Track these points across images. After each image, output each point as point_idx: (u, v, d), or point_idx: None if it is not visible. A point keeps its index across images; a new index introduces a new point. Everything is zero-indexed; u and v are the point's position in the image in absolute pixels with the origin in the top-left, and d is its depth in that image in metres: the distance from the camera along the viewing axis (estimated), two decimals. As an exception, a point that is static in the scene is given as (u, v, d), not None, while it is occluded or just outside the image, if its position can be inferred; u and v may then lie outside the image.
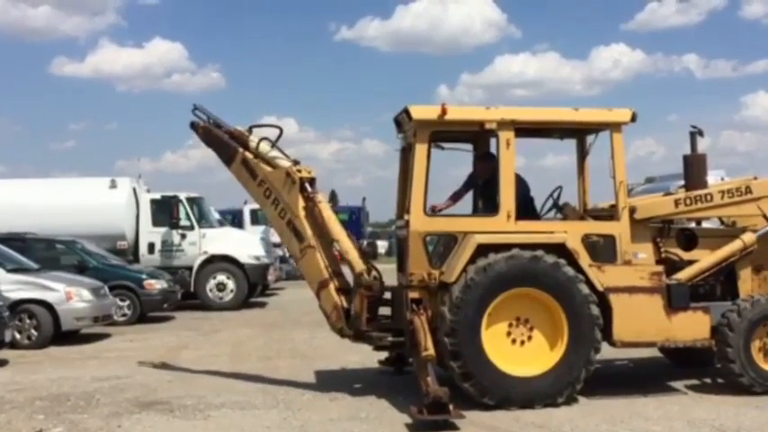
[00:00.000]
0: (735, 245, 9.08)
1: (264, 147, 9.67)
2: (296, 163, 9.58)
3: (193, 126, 10.29)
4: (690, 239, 9.27)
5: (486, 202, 9.25)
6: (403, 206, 9.04)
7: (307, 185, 9.35)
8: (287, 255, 26.45)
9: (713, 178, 11.10)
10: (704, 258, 9.04)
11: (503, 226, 8.48)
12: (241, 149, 9.68)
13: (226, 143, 9.86)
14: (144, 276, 17.24)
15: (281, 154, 9.65)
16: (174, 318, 17.85)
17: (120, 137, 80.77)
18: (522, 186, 9.00)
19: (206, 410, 8.40)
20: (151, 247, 19.78)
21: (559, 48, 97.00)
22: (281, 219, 9.38)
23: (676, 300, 8.69)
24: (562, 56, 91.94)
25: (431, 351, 8.02)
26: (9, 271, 13.73)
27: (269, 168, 9.51)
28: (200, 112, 10.33)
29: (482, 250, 8.26)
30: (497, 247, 8.27)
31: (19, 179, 21.60)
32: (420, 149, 8.58)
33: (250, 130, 9.93)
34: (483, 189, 9.43)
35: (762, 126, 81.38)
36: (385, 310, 9.36)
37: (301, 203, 9.25)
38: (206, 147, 10.18)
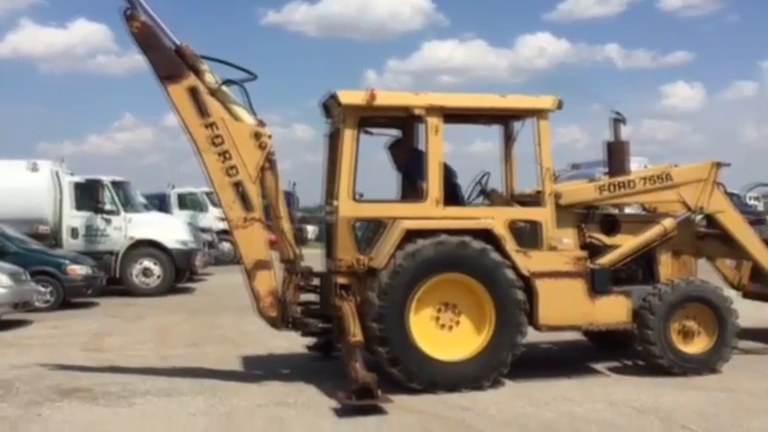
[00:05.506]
0: (655, 230, 9.32)
1: (226, 90, 8.64)
2: (261, 123, 8.72)
3: (128, 16, 8.55)
4: (612, 225, 9.47)
5: (410, 188, 9.30)
6: (330, 192, 9.01)
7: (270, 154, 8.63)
8: (215, 239, 26.35)
9: (636, 165, 11.36)
10: (626, 243, 9.26)
11: (430, 212, 8.53)
12: (192, 75, 8.54)
13: (172, 57, 8.53)
14: (66, 261, 16.85)
15: (246, 105, 8.72)
16: (99, 304, 17.47)
17: (42, 119, 78.45)
18: (447, 173, 9.06)
19: (130, 398, 8.27)
20: (74, 232, 19.33)
21: (486, 36, 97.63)
22: (226, 176, 8.47)
23: (599, 284, 8.88)
24: (489, 44, 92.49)
25: (359, 337, 8.03)
26: (-77, 256, 13.27)
27: (228, 116, 8.55)
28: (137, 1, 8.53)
29: (410, 236, 8.30)
30: (425, 233, 8.32)
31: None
32: (348, 135, 8.56)
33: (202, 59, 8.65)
34: (406, 175, 9.50)
35: (680, 115, 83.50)
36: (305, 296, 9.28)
37: (259, 170, 8.56)
38: (138, 49, 8.58)
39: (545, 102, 8.92)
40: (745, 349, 10.10)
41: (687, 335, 8.97)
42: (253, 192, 8.58)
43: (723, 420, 7.22)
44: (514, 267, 8.45)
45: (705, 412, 7.49)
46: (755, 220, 13.84)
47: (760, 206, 26.63)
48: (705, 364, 8.98)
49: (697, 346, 9.01)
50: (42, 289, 16.09)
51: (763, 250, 9.85)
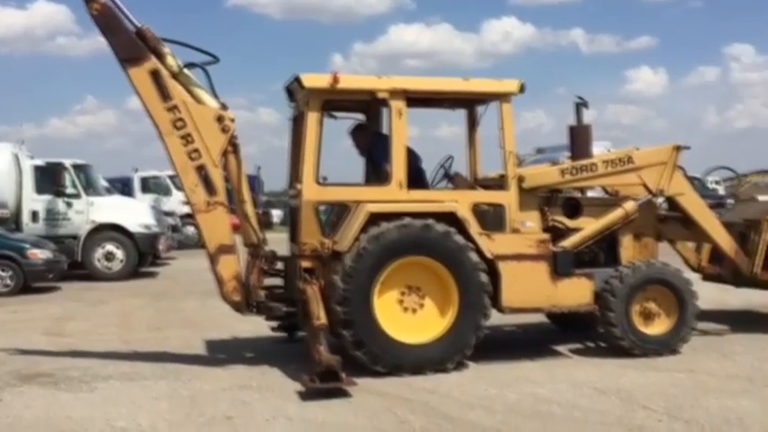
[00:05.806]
0: (617, 213, 9.40)
1: (189, 73, 8.60)
2: (224, 107, 8.66)
3: None
4: (575, 208, 9.55)
5: (374, 172, 9.30)
6: (294, 175, 8.97)
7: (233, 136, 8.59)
8: (179, 223, 26.14)
9: (599, 149, 11.45)
10: (588, 226, 9.33)
11: (394, 195, 8.53)
12: (154, 57, 8.47)
13: (132, 39, 8.44)
14: (27, 245, 16.64)
15: (208, 88, 8.70)
16: (60, 288, 17.31)
17: (0, 101, 77.24)
18: (411, 157, 9.07)
19: (92, 382, 8.20)
20: (34, 216, 19.09)
21: (452, 20, 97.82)
22: (189, 159, 8.42)
23: (561, 266, 8.94)
24: (455, 28, 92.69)
25: (323, 320, 8.02)
26: None
27: (190, 99, 8.53)
28: None
29: (374, 219, 8.30)
30: (389, 216, 8.32)
31: None
32: (312, 118, 8.52)
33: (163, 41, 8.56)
34: (369, 159, 9.51)
35: (644, 100, 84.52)
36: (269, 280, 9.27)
37: (222, 154, 8.53)
38: (98, 31, 8.47)
39: (507, 85, 8.95)
40: (705, 330, 10.27)
41: (648, 316, 9.08)
42: (216, 175, 8.53)
43: (683, 401, 7.32)
44: (478, 250, 8.49)
45: (665, 392, 7.59)
46: (716, 203, 14.06)
47: (721, 190, 26.95)
48: (666, 346, 9.10)
49: (658, 327, 9.12)
50: (2, 273, 15.96)
51: (722, 233, 10.00)
